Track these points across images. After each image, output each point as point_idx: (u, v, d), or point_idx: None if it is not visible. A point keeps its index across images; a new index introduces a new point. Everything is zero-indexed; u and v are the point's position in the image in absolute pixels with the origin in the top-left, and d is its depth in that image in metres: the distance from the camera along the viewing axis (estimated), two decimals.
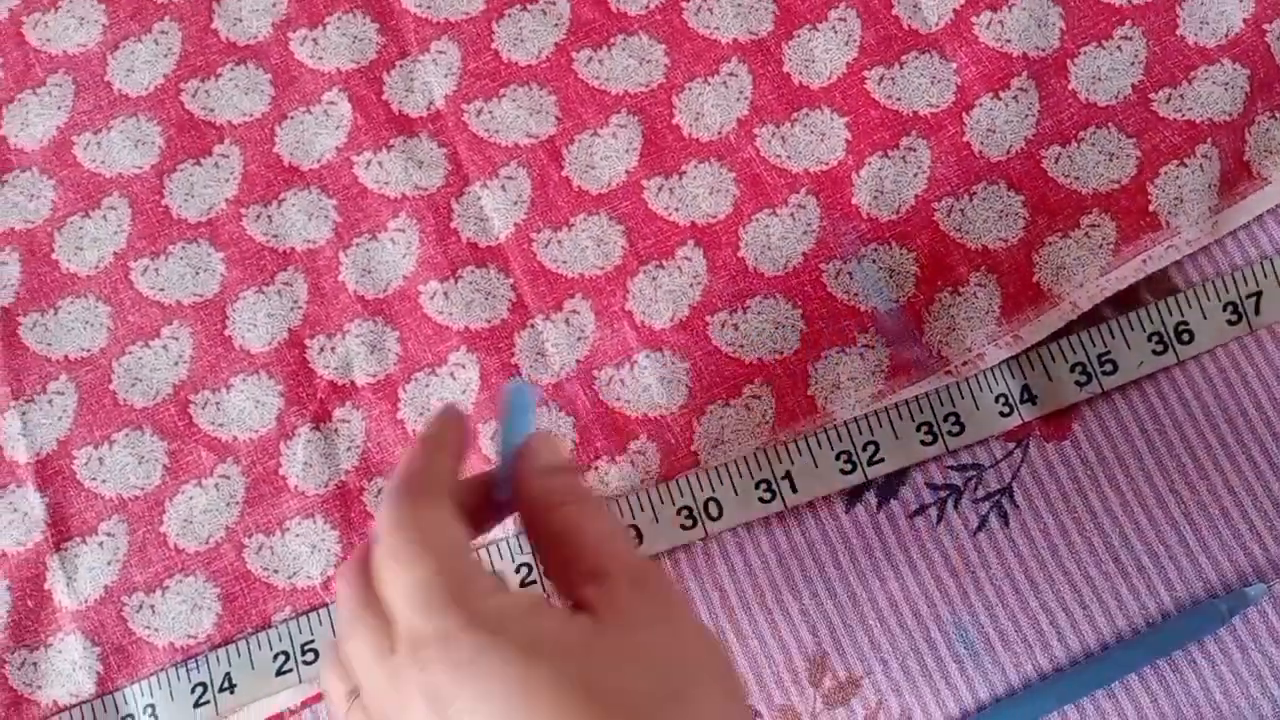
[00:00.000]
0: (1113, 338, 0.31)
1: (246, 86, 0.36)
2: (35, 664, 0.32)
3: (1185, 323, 0.31)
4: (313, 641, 0.31)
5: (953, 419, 0.31)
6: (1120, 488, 0.31)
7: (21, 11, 0.37)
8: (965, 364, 0.32)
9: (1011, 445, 0.32)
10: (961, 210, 0.33)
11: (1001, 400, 0.31)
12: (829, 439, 0.31)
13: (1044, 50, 0.34)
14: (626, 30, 0.35)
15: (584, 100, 0.35)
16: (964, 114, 0.33)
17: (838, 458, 0.31)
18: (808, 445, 0.31)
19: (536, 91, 0.35)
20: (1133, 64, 0.33)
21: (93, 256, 0.35)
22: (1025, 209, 0.33)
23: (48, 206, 0.35)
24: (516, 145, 0.35)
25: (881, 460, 0.31)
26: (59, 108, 0.36)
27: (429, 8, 0.36)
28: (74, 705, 0.31)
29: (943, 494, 0.32)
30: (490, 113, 0.35)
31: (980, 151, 0.33)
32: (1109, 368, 0.31)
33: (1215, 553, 0.31)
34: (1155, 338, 0.31)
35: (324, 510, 0.32)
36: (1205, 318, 0.31)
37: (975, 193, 0.33)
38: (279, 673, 0.31)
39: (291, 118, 0.35)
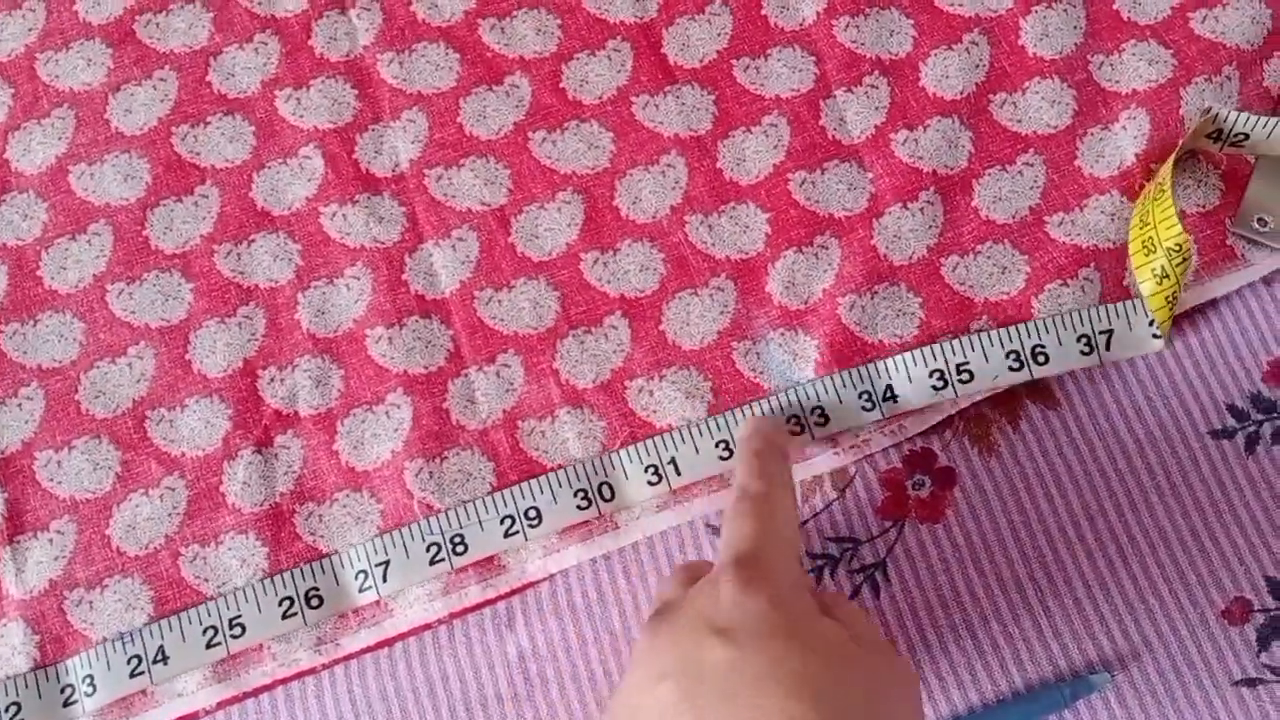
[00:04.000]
0: (972, 350, 0.35)
1: (231, 135, 0.39)
2: None
3: (1042, 346, 0.34)
4: (240, 617, 0.34)
5: (818, 414, 0.35)
6: (984, 571, 0.34)
7: (36, 48, 0.41)
8: (852, 447, 0.35)
9: (888, 524, 0.35)
10: (863, 306, 0.36)
11: (865, 396, 0.35)
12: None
13: (952, 169, 0.37)
14: (580, 117, 0.39)
15: (535, 176, 0.38)
16: (874, 219, 0.37)
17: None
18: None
19: (493, 164, 0.38)
20: (1032, 188, 0.37)
21: (74, 276, 0.38)
22: (921, 310, 0.36)
23: (39, 227, 0.39)
24: (470, 210, 0.38)
25: None
26: (60, 138, 0.39)
27: (404, 80, 0.39)
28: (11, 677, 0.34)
29: (820, 563, 0.34)
30: (449, 179, 0.38)
31: (885, 255, 0.36)
32: (965, 376, 0.34)
33: (1066, 640, 0.34)
34: (1013, 355, 0.34)
35: (257, 528, 0.35)
36: (1060, 343, 0.34)
37: (877, 291, 0.36)
38: (209, 645, 0.34)
39: (269, 167, 0.39)
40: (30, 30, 0.41)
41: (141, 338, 0.37)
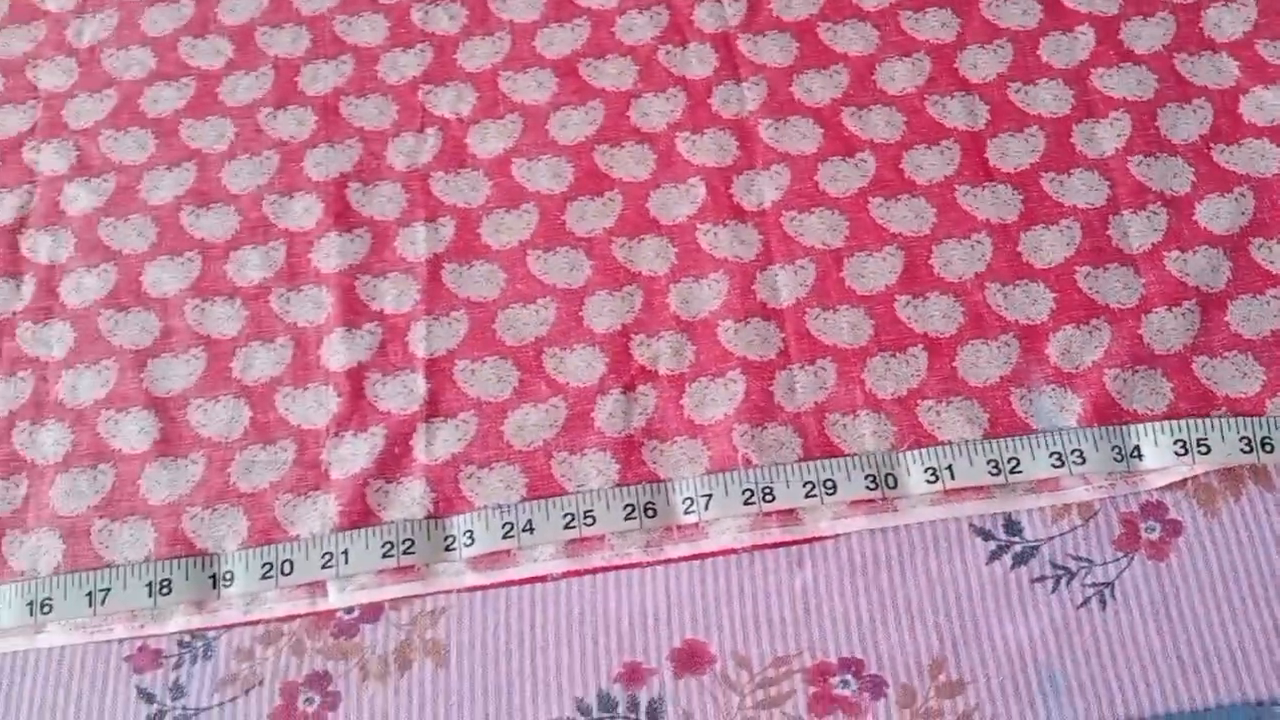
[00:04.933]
0: (1213, 430, 0.43)
1: (639, 159, 0.51)
2: (386, 493, 0.45)
3: (1270, 438, 0.42)
4: (593, 510, 0.44)
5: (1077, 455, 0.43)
6: (1194, 608, 0.41)
7: (500, 67, 0.54)
8: (1100, 487, 0.43)
9: (1120, 554, 0.42)
10: (1125, 380, 0.44)
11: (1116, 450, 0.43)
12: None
13: (1212, 288, 0.46)
14: (912, 193, 0.49)
15: (869, 230, 0.48)
16: (1143, 314, 0.45)
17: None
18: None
19: (837, 215, 0.49)
20: (1276, 316, 0.45)
21: (505, 239, 0.50)
22: (1171, 394, 0.44)
23: (483, 198, 0.51)
24: (813, 247, 0.48)
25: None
26: (509, 136, 0.52)
27: (777, 140, 0.51)
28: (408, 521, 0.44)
29: (1060, 572, 0.42)
30: (800, 221, 0.49)
31: (1149, 344, 0.45)
32: (1204, 449, 0.42)
33: (1256, 675, 0.40)
34: (1245, 441, 0.42)
35: (613, 449, 0.45)
36: None
37: (1138, 370, 0.44)
38: (566, 527, 0.44)
39: (662, 187, 0.50)
40: (497, 53, 0.54)
41: (549, 293, 0.48)
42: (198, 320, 0.49)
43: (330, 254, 0.50)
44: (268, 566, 0.44)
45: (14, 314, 0.50)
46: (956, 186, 0.49)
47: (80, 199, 0.52)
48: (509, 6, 0.55)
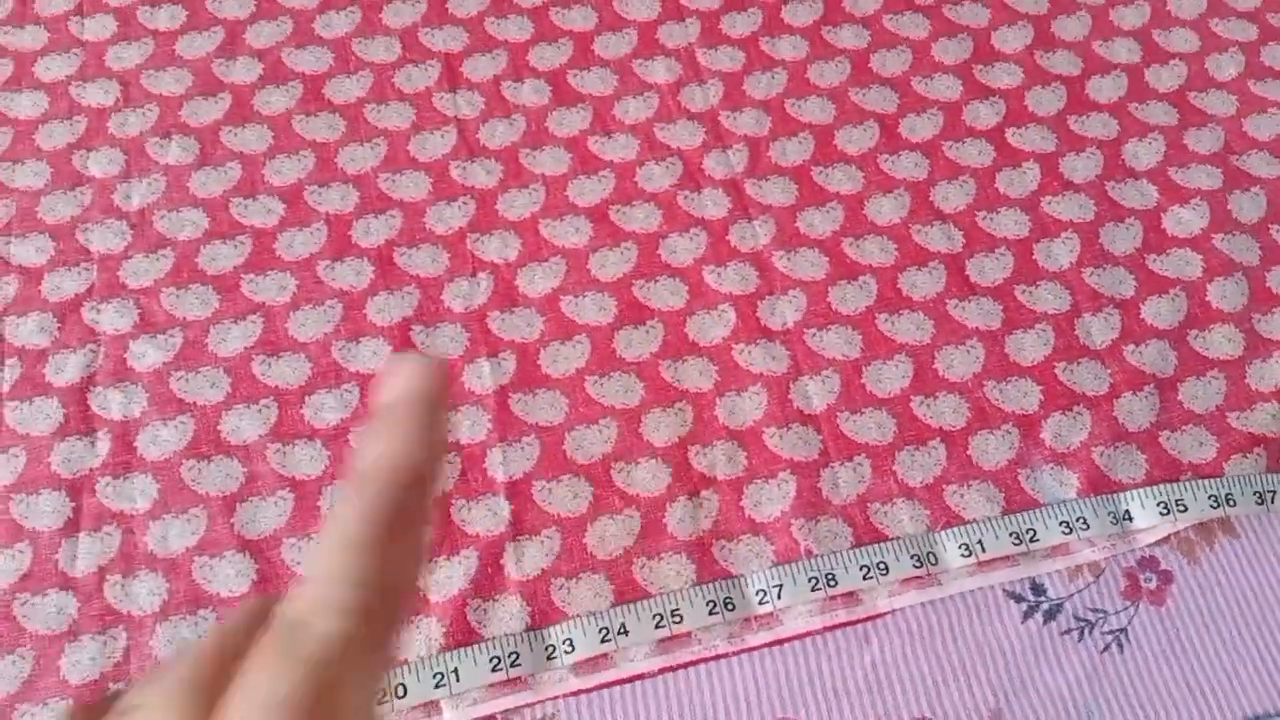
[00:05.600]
0: (1186, 491, 0.51)
1: (673, 290, 0.58)
2: (485, 610, 0.49)
3: (1231, 495, 0.51)
4: (679, 610, 0.48)
5: (1082, 521, 0.50)
6: (1194, 641, 0.49)
7: (539, 215, 0.60)
8: (1103, 547, 0.51)
9: (1128, 603, 0.50)
10: (1108, 455, 0.53)
11: (1111, 515, 0.51)
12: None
13: (1165, 374, 0.55)
14: (911, 308, 0.57)
15: (879, 342, 0.56)
16: (1114, 400, 0.54)
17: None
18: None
19: (850, 331, 0.56)
20: (1217, 393, 0.55)
21: (563, 368, 0.55)
22: (1146, 464, 0.53)
23: (538, 332, 0.56)
24: (834, 359, 0.56)
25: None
26: (555, 276, 0.58)
27: (790, 269, 0.58)
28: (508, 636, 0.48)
29: (1083, 624, 0.50)
30: (820, 337, 0.56)
31: (1123, 424, 0.54)
32: (1182, 508, 0.50)
33: (1250, 694, 0.48)
34: (1212, 498, 0.51)
35: (687, 551, 0.50)
36: (1242, 494, 0.51)
37: (1118, 447, 0.53)
38: (656, 626, 0.48)
39: (696, 314, 0.57)
40: (534, 203, 0.60)
41: (609, 414, 0.54)
42: (281, 464, 0.52)
43: None
44: (380, 693, 0.47)
45: (91, 470, 0.52)
46: (947, 301, 0.57)
47: (148, 355, 0.55)
48: (539, 161, 0.61)
